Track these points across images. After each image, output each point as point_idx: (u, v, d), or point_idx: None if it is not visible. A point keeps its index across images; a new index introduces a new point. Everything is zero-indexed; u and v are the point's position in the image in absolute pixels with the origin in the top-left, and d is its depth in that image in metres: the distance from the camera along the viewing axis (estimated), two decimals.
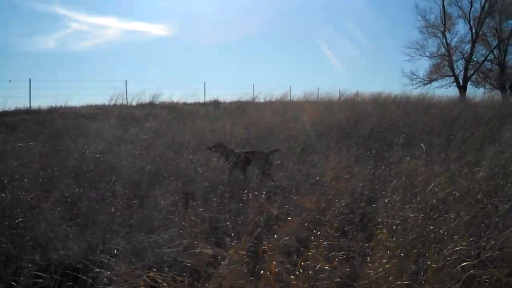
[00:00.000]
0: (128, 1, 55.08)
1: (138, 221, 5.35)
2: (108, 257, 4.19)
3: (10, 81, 23.19)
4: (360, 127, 11.75)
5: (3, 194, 5.51)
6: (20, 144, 9.92)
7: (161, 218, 5.39)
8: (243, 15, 62.26)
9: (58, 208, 5.16)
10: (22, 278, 3.73)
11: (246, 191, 6.44)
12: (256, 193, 6.22)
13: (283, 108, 18.57)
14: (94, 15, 54.87)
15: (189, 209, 5.55)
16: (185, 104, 24.00)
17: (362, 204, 5.79)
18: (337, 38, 60.81)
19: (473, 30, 32.72)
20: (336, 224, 4.99)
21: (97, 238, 4.57)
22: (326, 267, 3.85)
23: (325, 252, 4.16)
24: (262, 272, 3.74)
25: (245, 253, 4.28)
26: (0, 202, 5.35)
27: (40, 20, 53.10)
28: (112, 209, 5.26)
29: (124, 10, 56.28)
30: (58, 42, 50.70)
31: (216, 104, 25.47)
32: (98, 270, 3.77)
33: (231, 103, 25.15)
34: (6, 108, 17.58)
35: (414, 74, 34.70)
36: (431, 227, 4.61)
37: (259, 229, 4.99)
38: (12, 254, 4.25)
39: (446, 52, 33.74)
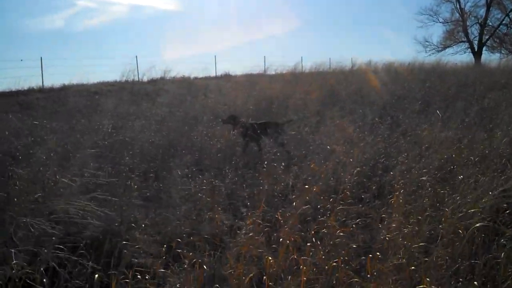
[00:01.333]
0: None
1: (154, 194, 5.41)
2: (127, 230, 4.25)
3: (21, 60, 23.20)
4: (373, 96, 11.63)
5: (21, 170, 5.58)
6: (35, 122, 10.01)
7: (177, 191, 5.44)
8: None
9: (77, 183, 5.21)
10: (44, 250, 3.80)
11: (260, 162, 6.46)
12: (270, 163, 6.22)
13: (295, 79, 18.40)
14: None
15: (204, 181, 5.58)
16: (196, 78, 23.88)
17: (379, 172, 5.77)
18: (348, 6, 59.65)
19: None
20: (352, 192, 4.98)
21: (115, 211, 4.62)
22: (342, 233, 3.86)
23: (342, 219, 4.17)
24: (280, 240, 3.76)
25: (262, 222, 4.30)
26: (18, 178, 5.41)
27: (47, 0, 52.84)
28: (129, 183, 5.31)
29: None
30: (66, 21, 50.52)
31: (227, 77, 25.34)
32: (118, 240, 3.82)
33: (242, 76, 24.96)
34: (20, 88, 17.66)
35: (427, 41, 33.98)
36: (447, 190, 4.59)
37: (275, 199, 5.02)
38: (33, 228, 4.32)
39: (460, 18, 32.92)
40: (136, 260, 3.79)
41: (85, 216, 4.47)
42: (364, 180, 5.50)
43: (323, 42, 56.75)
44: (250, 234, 3.92)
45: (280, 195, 5.23)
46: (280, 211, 4.45)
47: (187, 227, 4.48)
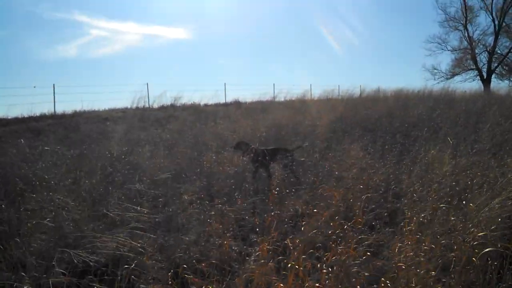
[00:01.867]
0: (146, 6, 55.64)
1: (164, 220, 5.39)
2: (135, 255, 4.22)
3: (34, 87, 23.59)
4: (383, 123, 11.62)
5: (33, 195, 5.61)
6: (46, 148, 10.09)
7: (186, 216, 5.42)
8: (260, 16, 62.25)
9: (86, 209, 5.22)
10: (52, 276, 3.79)
11: (270, 188, 6.43)
12: (280, 189, 6.19)
13: (304, 107, 18.48)
14: (113, 21, 55.59)
15: (214, 207, 5.56)
16: (206, 105, 24.11)
17: (389, 199, 5.71)
18: (357, 35, 60.27)
19: (496, 22, 32.02)
20: (363, 218, 4.93)
21: (124, 237, 4.60)
22: (354, 261, 3.81)
23: (355, 246, 4.12)
24: (289, 266, 3.70)
25: (272, 247, 4.26)
26: (29, 203, 5.44)
27: (61, 28, 54.07)
28: (138, 208, 5.30)
29: (142, 15, 56.87)
30: (79, 49, 51.58)
31: (237, 104, 25.54)
32: (126, 266, 3.78)
33: (251, 103, 25.16)
34: (32, 114, 17.93)
35: (436, 69, 34.14)
36: (460, 217, 4.53)
37: (285, 225, 4.97)
38: (42, 253, 4.31)
39: (469, 46, 33.11)
40: (144, 287, 3.75)
41: (93, 241, 4.46)
42: (374, 206, 5.45)
43: (332, 69, 57.29)
44: (262, 261, 3.87)
45: (290, 221, 5.19)
46: (290, 237, 4.40)
47: (196, 253, 4.44)
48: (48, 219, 4.93)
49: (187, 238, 4.84)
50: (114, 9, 57.69)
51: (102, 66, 51.66)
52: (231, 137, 11.17)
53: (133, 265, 3.89)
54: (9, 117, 17.27)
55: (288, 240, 4.30)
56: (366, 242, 4.31)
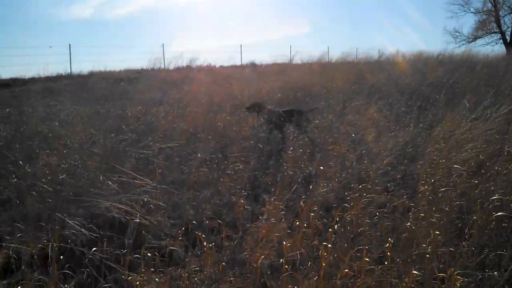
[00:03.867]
0: None
1: (178, 178, 5.42)
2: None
3: (50, 47, 23.68)
4: (401, 86, 11.41)
5: (48, 151, 5.68)
6: (62, 107, 10.18)
7: (200, 175, 5.44)
8: None
9: (102, 166, 5.27)
10: (67, 231, 3.85)
11: (284, 149, 6.41)
12: (294, 150, 6.17)
13: (321, 69, 18.22)
14: None
15: (228, 166, 5.57)
16: (221, 67, 23.96)
17: (405, 161, 5.66)
18: None
19: None
20: (377, 181, 4.89)
21: (138, 194, 4.64)
22: (366, 221, 3.80)
23: (368, 207, 4.10)
24: (297, 225, 3.71)
25: (283, 207, 4.27)
26: (47, 162, 5.51)
27: None
28: (154, 166, 5.34)
29: None
30: (95, 10, 51.24)
31: (252, 66, 25.31)
32: (137, 221, 3.83)
33: (267, 66, 24.92)
34: (48, 74, 18.02)
35: (457, 32, 33.18)
36: (479, 180, 4.46)
37: (298, 186, 4.96)
38: (58, 209, 4.39)
39: (493, 7, 31.98)
40: (155, 241, 3.80)
41: (108, 198, 4.51)
42: (389, 168, 5.40)
43: (350, 32, 56.09)
44: (273, 220, 3.88)
45: (303, 182, 5.18)
46: (303, 198, 4.39)
47: (208, 211, 4.48)
48: (63, 175, 5.00)
49: (200, 197, 4.88)
50: None
51: (118, 27, 51.32)
52: (246, 98, 11.10)
53: (145, 220, 3.93)
54: (26, 77, 17.39)
55: (301, 201, 4.28)
56: (378, 204, 4.29)
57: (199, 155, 6.01)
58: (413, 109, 8.49)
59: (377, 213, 4.08)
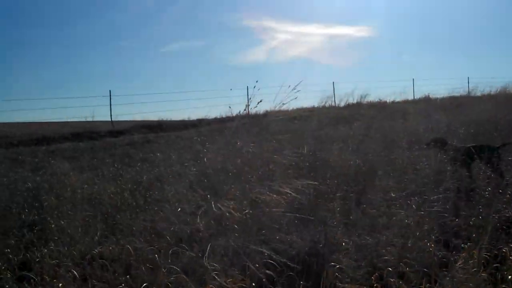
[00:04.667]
0: (329, 7, 55.91)
1: (357, 218, 5.21)
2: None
3: (231, 89, 25.82)
4: None
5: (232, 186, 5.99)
6: (240, 145, 10.81)
7: (380, 215, 5.15)
8: (446, 9, 57.54)
9: (282, 202, 5.34)
10: (252, 266, 3.92)
11: (474, 189, 5.76)
12: (485, 189, 5.50)
13: (507, 101, 16.46)
14: (298, 24, 57.43)
15: (413, 206, 5.17)
16: (393, 102, 23.29)
17: None
18: None
19: None
20: None
21: (319, 232, 4.56)
22: None
23: None
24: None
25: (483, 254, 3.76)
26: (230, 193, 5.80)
27: (251, 35, 57.95)
28: (332, 204, 5.22)
29: (326, 16, 57.34)
30: (268, 53, 54.66)
31: (426, 100, 24.08)
32: (323, 262, 3.72)
33: (443, 99, 23.49)
34: (229, 114, 19.52)
35: None
36: None
37: (497, 231, 4.36)
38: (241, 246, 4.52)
39: None
40: (341, 284, 3.63)
41: (289, 235, 4.52)
42: None
43: None
44: (474, 269, 3.42)
45: (504, 227, 4.53)
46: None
47: (393, 255, 4.16)
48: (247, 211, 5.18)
49: (383, 238, 4.59)
50: (298, 13, 59.34)
51: (290, 67, 53.68)
52: (423, 134, 10.43)
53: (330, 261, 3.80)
54: (210, 117, 19.12)
55: (504, 248, 3.72)
56: None
57: (379, 195, 5.72)
58: None
59: None
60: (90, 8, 50.74)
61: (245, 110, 10.47)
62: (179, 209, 5.78)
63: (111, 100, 19.66)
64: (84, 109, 30.83)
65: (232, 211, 5.26)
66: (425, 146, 7.95)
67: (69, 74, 45.17)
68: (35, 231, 5.34)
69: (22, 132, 16.25)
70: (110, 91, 19.82)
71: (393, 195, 5.76)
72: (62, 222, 5.31)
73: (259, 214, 5.03)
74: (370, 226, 4.90)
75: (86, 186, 7.60)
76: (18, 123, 18.71)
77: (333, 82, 23.78)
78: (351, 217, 5.11)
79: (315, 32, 54.66)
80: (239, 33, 56.89)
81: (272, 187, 6.14)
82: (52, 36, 48.65)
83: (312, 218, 4.94)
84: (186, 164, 9.71)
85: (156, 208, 5.92)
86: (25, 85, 40.08)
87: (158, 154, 11.43)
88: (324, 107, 21.11)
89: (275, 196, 5.50)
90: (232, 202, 5.49)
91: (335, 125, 14.73)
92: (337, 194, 5.67)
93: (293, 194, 5.18)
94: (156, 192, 6.74)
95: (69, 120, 19.31)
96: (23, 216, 6.01)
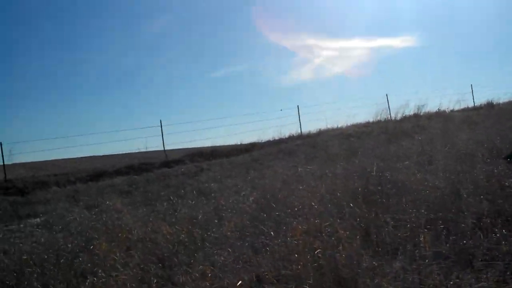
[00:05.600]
0: (371, 20, 54.60)
1: (449, 251, 4.43)
2: None
3: (281, 110, 25.40)
4: None
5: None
6: (299, 169, 10.20)
7: (477, 247, 4.35)
8: (490, 14, 55.01)
9: (357, 237, 4.65)
10: None
11: None
12: None
13: None
14: (340, 39, 56.60)
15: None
16: (453, 111, 22.02)
17: None
18: None
19: None
20: None
21: (412, 271, 3.85)
22: None
23: None
24: None
25: None
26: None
27: (294, 54, 57.47)
28: (420, 238, 4.47)
29: (367, 29, 56.02)
30: (313, 71, 54.00)
31: (489, 106, 22.65)
32: None
33: (508, 103, 22.05)
34: (282, 136, 19.06)
35: None
36: None
37: None
38: None
39: None
40: None
41: (373, 279, 3.83)
42: None
43: None
44: None
45: None
46: None
47: None
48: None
49: (485, 276, 3.81)
50: (340, 28, 58.37)
51: (336, 84, 52.71)
52: (499, 145, 9.40)
53: None
54: (263, 140, 18.68)
55: None
56: None
57: (469, 221, 4.90)
58: None
59: None
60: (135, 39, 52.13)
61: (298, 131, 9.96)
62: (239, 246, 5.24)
63: (162, 129, 19.59)
64: (136, 141, 31.17)
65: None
66: (508, 159, 7.06)
67: (120, 106, 46.37)
68: (87, 283, 4.90)
69: (79, 168, 16.36)
70: (160, 120, 19.78)
71: (487, 220, 4.92)
72: (114, 275, 4.83)
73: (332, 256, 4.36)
74: (468, 262, 4.13)
75: (140, 224, 7.22)
76: (73, 158, 18.98)
77: (387, 94, 22.77)
78: (443, 251, 4.34)
79: (358, 46, 53.65)
80: (282, 54, 56.57)
81: (343, 218, 5.50)
82: (103, 67, 50.15)
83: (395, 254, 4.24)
84: (243, 193, 9.20)
85: (215, 250, 5.36)
86: (81, 122, 41.42)
87: (212, 185, 10.97)
88: (379, 121, 20.16)
89: (347, 232, 4.84)
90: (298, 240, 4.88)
91: (396, 140, 13.82)
92: (423, 225, 4.88)
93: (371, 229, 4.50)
94: (214, 230, 6.21)
95: (123, 152, 19.42)
96: (74, 265, 5.62)
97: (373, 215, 5.40)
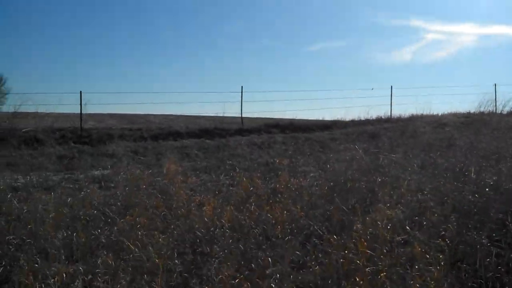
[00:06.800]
0: (483, 5, 49.14)
1: None
2: None
3: (372, 89, 23.56)
4: None
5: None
6: (381, 155, 8.88)
7: None
8: None
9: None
10: None
11: None
12: None
13: None
14: (449, 23, 51.96)
15: None
16: None
17: None
18: None
19: None
20: None
21: None
22: None
23: None
24: None
25: None
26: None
27: (398, 34, 53.65)
28: None
29: (482, 15, 50.60)
30: (414, 54, 50.30)
31: None
32: None
33: None
34: (369, 117, 17.53)
35: None
36: None
37: None
38: None
39: None
40: None
41: None
42: None
43: None
44: None
45: None
46: None
47: None
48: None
49: None
50: (451, 12, 53.38)
51: (438, 69, 48.70)
52: None
53: None
54: (346, 120, 17.27)
55: None
56: None
57: None
58: None
59: None
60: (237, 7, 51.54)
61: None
62: None
63: (243, 96, 18.70)
64: (216, 104, 30.74)
65: None
66: None
67: (212, 71, 46.43)
68: None
69: (151, 126, 16.02)
70: (242, 87, 18.81)
71: None
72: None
73: None
74: None
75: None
76: (149, 115, 18.85)
77: (495, 84, 20.04)
78: None
79: (467, 32, 49.01)
80: (386, 33, 53.20)
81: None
82: (199, 37, 50.27)
83: None
84: (311, 175, 8.14)
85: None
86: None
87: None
88: (482, 113, 17.77)
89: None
90: None
91: (500, 136, 11.86)
92: None
93: None
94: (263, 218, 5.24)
95: (199, 114, 18.87)
96: None
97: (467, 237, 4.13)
